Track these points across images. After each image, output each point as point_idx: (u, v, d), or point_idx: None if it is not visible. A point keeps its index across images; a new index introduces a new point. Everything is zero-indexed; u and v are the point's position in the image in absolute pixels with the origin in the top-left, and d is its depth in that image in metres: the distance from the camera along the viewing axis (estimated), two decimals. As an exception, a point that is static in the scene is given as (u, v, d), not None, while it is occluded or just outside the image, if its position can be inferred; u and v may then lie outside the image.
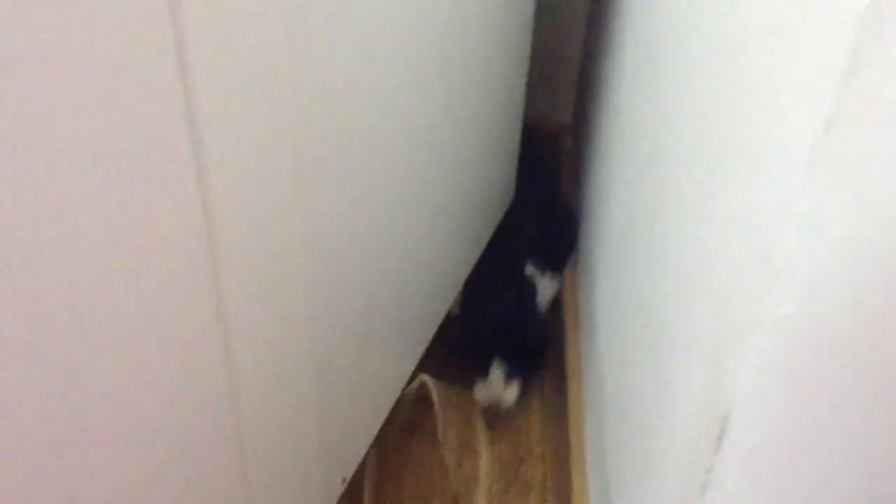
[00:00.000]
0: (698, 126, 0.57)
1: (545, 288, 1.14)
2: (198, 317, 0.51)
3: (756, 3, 0.46)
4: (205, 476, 0.56)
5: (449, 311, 1.09)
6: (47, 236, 0.38)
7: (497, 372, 1.05)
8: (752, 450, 0.45)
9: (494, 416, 1.10)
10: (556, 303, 1.20)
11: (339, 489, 0.80)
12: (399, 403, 1.01)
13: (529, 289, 1.12)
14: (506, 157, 1.16)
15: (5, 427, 0.39)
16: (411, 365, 0.98)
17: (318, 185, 0.61)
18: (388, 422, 0.97)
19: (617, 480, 0.77)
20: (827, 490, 0.45)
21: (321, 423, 0.71)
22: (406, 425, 1.12)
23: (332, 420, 0.74)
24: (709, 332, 0.50)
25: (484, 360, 1.07)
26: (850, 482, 0.44)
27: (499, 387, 1.06)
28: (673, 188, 0.64)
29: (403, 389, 0.99)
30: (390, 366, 0.91)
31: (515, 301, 1.11)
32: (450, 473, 1.09)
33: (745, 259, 0.44)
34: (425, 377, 1.07)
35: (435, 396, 1.11)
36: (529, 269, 1.14)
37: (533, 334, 1.11)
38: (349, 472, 0.82)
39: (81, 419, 0.44)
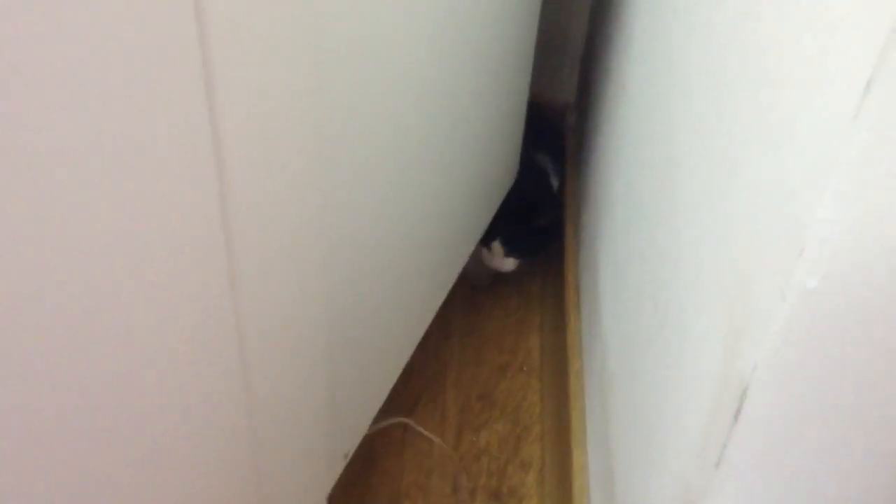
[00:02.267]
0: (721, 97, 0.56)
1: (555, 174, 1.30)
2: (210, 289, 0.50)
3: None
4: (211, 447, 0.56)
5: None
6: (60, 225, 0.37)
7: (497, 248, 1.22)
8: (770, 425, 0.44)
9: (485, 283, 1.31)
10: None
11: (341, 464, 0.80)
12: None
13: (543, 173, 1.27)
14: (512, 133, 1.15)
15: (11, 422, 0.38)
16: (418, 335, 0.97)
17: (334, 158, 0.60)
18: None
19: (621, 458, 0.76)
20: (847, 466, 0.45)
21: (330, 397, 0.71)
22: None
23: (340, 394, 0.73)
24: (725, 306, 0.49)
25: (490, 235, 1.21)
26: (871, 459, 0.44)
27: (498, 258, 1.23)
28: (688, 161, 0.63)
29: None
30: (397, 340, 0.90)
31: (532, 183, 1.25)
32: (448, 452, 1.08)
33: (771, 231, 0.43)
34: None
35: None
36: (540, 157, 1.28)
37: (550, 212, 1.26)
38: (351, 448, 0.82)
39: (88, 387, 0.43)
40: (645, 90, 0.84)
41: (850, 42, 0.36)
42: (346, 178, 0.64)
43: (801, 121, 0.40)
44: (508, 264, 1.24)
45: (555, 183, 1.29)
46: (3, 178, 0.33)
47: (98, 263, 0.40)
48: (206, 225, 0.47)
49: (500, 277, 1.31)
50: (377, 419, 0.96)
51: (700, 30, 0.64)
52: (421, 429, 1.10)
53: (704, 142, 0.59)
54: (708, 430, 0.50)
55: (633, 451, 0.71)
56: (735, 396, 0.45)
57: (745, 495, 0.48)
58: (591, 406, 0.98)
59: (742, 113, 0.51)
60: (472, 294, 1.30)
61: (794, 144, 0.41)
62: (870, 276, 0.39)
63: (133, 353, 0.45)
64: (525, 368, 1.21)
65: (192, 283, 0.48)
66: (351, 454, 0.82)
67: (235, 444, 0.59)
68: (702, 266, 0.56)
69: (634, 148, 0.87)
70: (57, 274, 0.38)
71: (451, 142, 0.89)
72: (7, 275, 0.35)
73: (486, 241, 1.21)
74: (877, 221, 0.37)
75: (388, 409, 1.09)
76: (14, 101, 0.32)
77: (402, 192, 0.77)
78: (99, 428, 0.45)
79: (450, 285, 1.06)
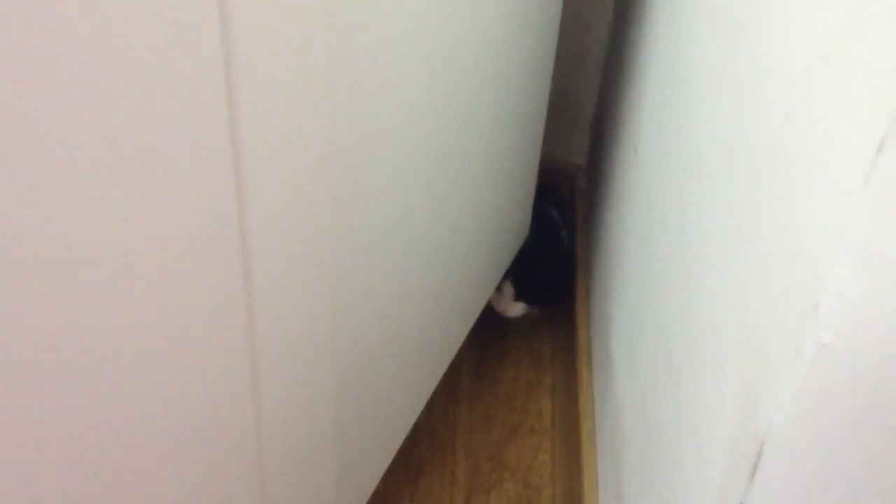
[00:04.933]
0: (732, 158, 0.57)
1: (565, 227, 1.33)
2: (228, 338, 0.50)
3: (798, 35, 0.46)
4: (222, 496, 0.55)
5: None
6: (80, 238, 0.37)
7: (507, 289, 1.24)
8: (787, 483, 0.44)
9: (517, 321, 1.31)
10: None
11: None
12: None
13: (554, 225, 1.31)
14: (523, 195, 1.16)
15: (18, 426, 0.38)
16: (427, 394, 0.97)
17: (348, 221, 0.61)
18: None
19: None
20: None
21: (339, 450, 0.70)
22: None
23: (348, 450, 0.73)
24: (741, 362, 0.49)
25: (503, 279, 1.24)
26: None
27: (507, 300, 1.25)
28: (700, 222, 0.64)
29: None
30: (407, 393, 0.90)
31: (543, 233, 1.28)
32: (458, 512, 1.07)
33: (786, 286, 0.43)
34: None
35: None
36: (552, 211, 1.31)
37: (554, 267, 1.28)
38: (363, 501, 0.81)
39: (99, 436, 0.43)
40: (657, 152, 0.85)
41: (861, 103, 0.36)
42: (358, 240, 0.64)
43: (815, 180, 0.41)
44: (516, 309, 1.25)
45: (564, 235, 1.32)
46: (29, 183, 0.34)
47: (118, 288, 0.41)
48: (227, 284, 0.48)
49: (508, 326, 1.31)
50: (384, 479, 0.95)
51: (709, 93, 0.65)
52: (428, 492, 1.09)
53: (716, 203, 0.60)
54: (724, 490, 0.49)
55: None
56: (751, 455, 0.45)
57: (763, 556, 0.47)
58: (602, 468, 0.97)
59: (754, 174, 0.51)
60: (480, 356, 1.30)
61: (807, 204, 0.42)
62: (887, 330, 0.39)
63: (142, 417, 0.45)
64: (536, 429, 1.20)
65: (209, 338, 0.48)
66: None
67: (242, 495, 0.59)
68: (714, 326, 0.57)
69: (646, 209, 0.87)
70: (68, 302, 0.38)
71: (462, 204, 0.90)
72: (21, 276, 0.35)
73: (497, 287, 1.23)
74: (890, 280, 0.38)
75: (395, 471, 1.08)
76: (39, 102, 0.33)
77: (413, 252, 0.78)
78: (108, 482, 0.45)
79: (458, 345, 1.06)
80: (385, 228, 0.69)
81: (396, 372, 0.83)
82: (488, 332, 1.31)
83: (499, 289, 1.24)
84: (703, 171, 0.65)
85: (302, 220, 0.54)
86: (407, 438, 1.04)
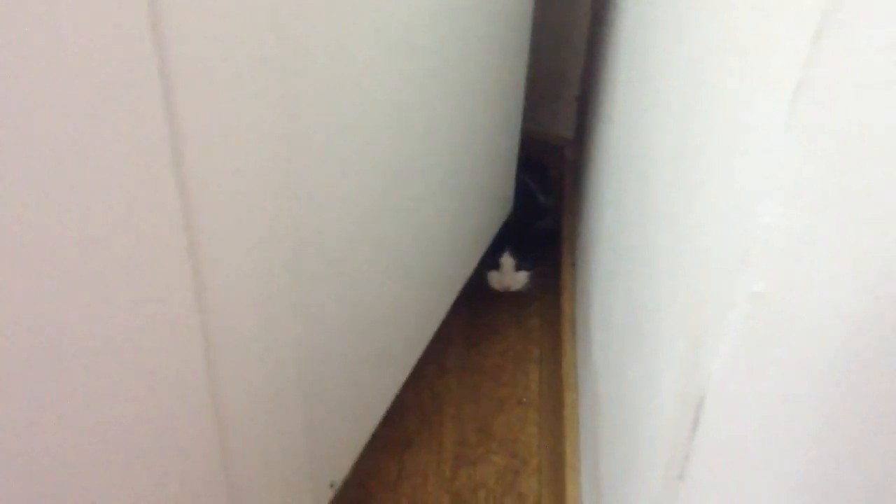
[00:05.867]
0: (681, 118, 0.57)
1: (542, 194, 1.34)
2: (178, 317, 0.50)
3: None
4: (184, 480, 0.56)
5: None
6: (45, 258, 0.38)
7: (507, 261, 1.23)
8: (726, 435, 0.44)
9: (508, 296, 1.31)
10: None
11: (327, 493, 0.80)
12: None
13: (529, 191, 1.31)
14: (505, 168, 1.16)
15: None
16: (407, 369, 0.97)
17: (315, 188, 0.61)
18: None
19: (607, 483, 0.76)
20: (806, 476, 0.44)
21: (308, 428, 0.71)
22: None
23: (319, 424, 0.73)
24: (686, 317, 0.50)
25: (495, 253, 1.24)
26: (828, 466, 0.44)
27: (509, 274, 1.25)
28: (657, 183, 0.64)
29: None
30: (383, 373, 0.90)
31: (523, 201, 1.28)
32: (447, 481, 1.08)
33: (720, 235, 0.43)
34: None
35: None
36: (527, 179, 1.31)
37: (542, 225, 1.29)
38: (339, 477, 0.82)
39: (56, 424, 0.43)
40: (627, 120, 0.85)
41: (780, 44, 0.36)
42: (325, 212, 0.65)
43: (745, 123, 0.41)
44: (519, 279, 1.26)
45: (542, 199, 1.34)
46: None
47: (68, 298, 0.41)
48: (169, 248, 0.48)
49: (502, 301, 1.32)
50: (372, 451, 0.96)
51: (668, 56, 0.65)
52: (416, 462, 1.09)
53: (671, 161, 0.60)
54: (673, 444, 0.50)
55: (616, 476, 0.71)
56: (693, 407, 0.45)
57: (708, 508, 0.47)
58: (584, 437, 0.97)
59: (700, 125, 0.51)
60: (471, 330, 1.30)
61: (738, 149, 0.42)
62: (820, 277, 0.39)
63: (95, 362, 0.46)
64: (524, 401, 1.20)
65: (158, 316, 0.49)
66: (339, 483, 0.82)
67: (208, 472, 0.59)
68: (671, 284, 0.57)
69: (618, 178, 0.87)
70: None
71: (443, 177, 0.90)
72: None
73: (491, 261, 1.24)
74: (817, 224, 0.37)
75: (384, 442, 1.09)
76: None
77: (389, 225, 0.78)
78: (68, 470, 0.45)
79: (441, 317, 1.06)
80: (357, 200, 0.69)
81: (371, 348, 0.83)
82: (479, 306, 1.31)
83: (496, 266, 1.24)
84: (660, 128, 0.65)
85: (259, 186, 0.54)
86: (395, 412, 1.04)
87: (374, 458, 1.07)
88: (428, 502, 1.06)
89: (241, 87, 0.49)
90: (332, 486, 0.80)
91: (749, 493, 0.46)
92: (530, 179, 1.32)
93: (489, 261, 1.24)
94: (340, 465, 0.82)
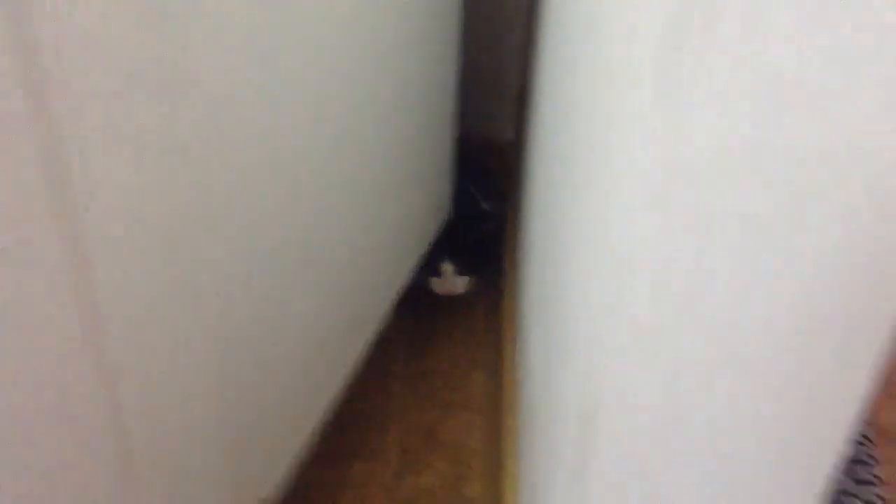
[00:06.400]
0: (576, 118, 0.56)
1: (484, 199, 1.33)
2: (64, 326, 0.49)
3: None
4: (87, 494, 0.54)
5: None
6: None
7: (447, 267, 1.24)
8: (618, 436, 0.44)
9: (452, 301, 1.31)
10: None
11: (256, 508, 0.78)
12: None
13: (472, 197, 1.31)
14: (439, 176, 1.15)
15: None
16: (337, 384, 0.96)
17: (221, 202, 0.60)
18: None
19: (537, 483, 0.75)
20: (702, 474, 0.44)
21: (231, 445, 0.70)
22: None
23: (242, 441, 0.72)
24: (589, 321, 0.49)
25: (438, 258, 1.24)
26: (724, 462, 0.43)
27: (450, 279, 1.25)
28: (566, 186, 0.63)
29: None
30: (312, 386, 0.89)
31: (464, 205, 1.28)
32: (391, 490, 1.07)
33: (608, 242, 0.43)
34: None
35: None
36: (470, 185, 1.31)
37: (484, 229, 1.30)
38: (268, 491, 0.80)
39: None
40: (552, 120, 0.85)
41: (640, 52, 0.36)
42: (243, 228, 0.63)
43: (612, 135, 0.41)
44: (461, 284, 1.26)
45: (484, 205, 1.33)
46: None
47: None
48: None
49: (448, 306, 1.31)
50: (315, 460, 0.95)
51: (579, 46, 0.65)
52: (360, 472, 1.08)
53: (581, 160, 0.59)
54: (574, 447, 0.49)
55: (543, 482, 0.71)
56: (591, 409, 0.45)
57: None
58: (522, 442, 0.97)
59: (584, 131, 0.51)
60: (415, 336, 1.29)
61: (607, 164, 0.41)
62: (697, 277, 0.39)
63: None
64: (469, 406, 1.20)
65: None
66: (270, 498, 0.80)
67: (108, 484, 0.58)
68: (576, 289, 0.56)
69: (546, 181, 0.87)
70: None
71: (366, 189, 0.89)
72: None
73: (434, 266, 1.24)
74: (688, 227, 0.37)
75: (327, 451, 1.08)
76: None
77: (316, 238, 0.77)
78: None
79: (370, 334, 1.05)
80: (270, 212, 0.68)
81: (297, 362, 0.82)
82: (423, 312, 1.31)
83: (438, 272, 1.23)
84: (567, 129, 0.64)
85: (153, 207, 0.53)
86: (339, 421, 1.03)
87: (317, 468, 1.06)
88: (372, 510, 1.05)
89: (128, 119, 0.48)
90: (262, 501, 0.79)
91: (648, 493, 0.45)
92: (472, 183, 1.32)
93: (432, 266, 1.23)
94: (270, 479, 0.81)
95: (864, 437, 1.22)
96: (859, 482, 1.16)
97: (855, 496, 1.14)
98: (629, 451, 0.44)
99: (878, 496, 1.14)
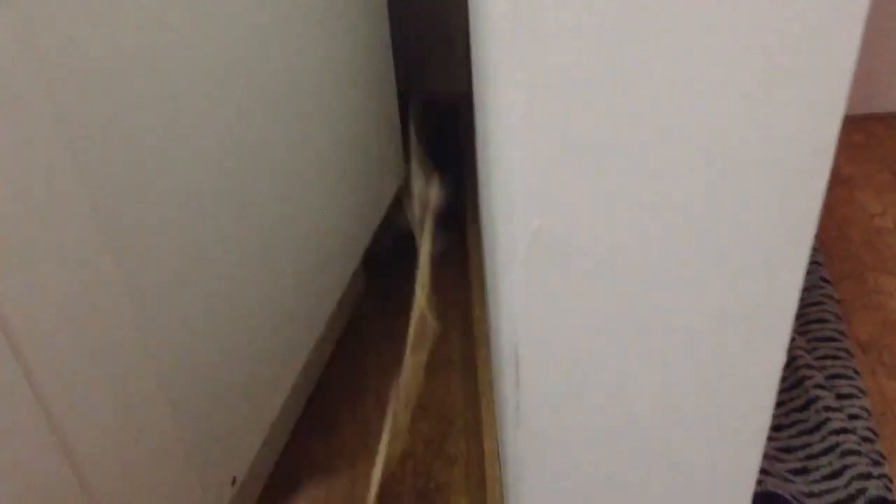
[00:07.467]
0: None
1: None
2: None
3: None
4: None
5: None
6: None
7: (415, 167, 1.13)
8: (538, 377, 0.44)
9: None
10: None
11: (229, 490, 0.79)
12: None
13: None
14: (387, 141, 1.14)
15: None
16: (301, 360, 0.96)
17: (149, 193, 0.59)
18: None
19: (502, 426, 0.76)
20: (612, 415, 0.44)
21: (187, 429, 0.70)
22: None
23: (200, 424, 0.72)
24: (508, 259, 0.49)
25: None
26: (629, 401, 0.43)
27: (419, 181, 1.14)
28: (491, 144, 0.63)
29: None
30: (275, 364, 0.89)
31: None
32: (374, 457, 1.07)
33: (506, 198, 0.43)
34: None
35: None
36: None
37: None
38: (240, 472, 0.81)
39: None
40: (484, 77, 0.84)
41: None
42: (176, 210, 0.63)
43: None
44: (434, 193, 1.19)
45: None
46: None
47: None
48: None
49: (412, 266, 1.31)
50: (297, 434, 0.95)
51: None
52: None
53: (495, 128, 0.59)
54: (511, 394, 0.49)
55: (503, 417, 0.71)
56: (515, 356, 0.45)
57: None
58: (497, 389, 0.97)
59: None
60: (387, 300, 1.29)
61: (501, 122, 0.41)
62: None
63: None
64: (447, 364, 1.20)
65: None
66: (241, 478, 0.81)
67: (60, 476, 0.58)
68: (504, 241, 0.56)
69: (484, 140, 0.87)
70: None
71: (309, 162, 0.88)
72: None
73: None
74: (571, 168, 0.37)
75: (309, 424, 1.08)
76: None
77: (266, 217, 0.77)
78: None
79: (331, 308, 1.05)
80: (210, 194, 0.67)
81: (256, 345, 0.82)
82: (394, 276, 1.30)
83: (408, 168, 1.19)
84: (489, 86, 0.64)
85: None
86: (318, 393, 1.03)
87: (301, 441, 1.06)
88: (357, 479, 1.06)
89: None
90: (234, 481, 0.79)
91: (569, 435, 0.45)
92: (428, 144, 1.30)
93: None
94: (239, 459, 0.81)
95: (845, 350, 1.23)
96: (841, 396, 1.17)
97: (838, 410, 1.14)
98: (549, 393, 0.44)
99: (863, 408, 1.15)
